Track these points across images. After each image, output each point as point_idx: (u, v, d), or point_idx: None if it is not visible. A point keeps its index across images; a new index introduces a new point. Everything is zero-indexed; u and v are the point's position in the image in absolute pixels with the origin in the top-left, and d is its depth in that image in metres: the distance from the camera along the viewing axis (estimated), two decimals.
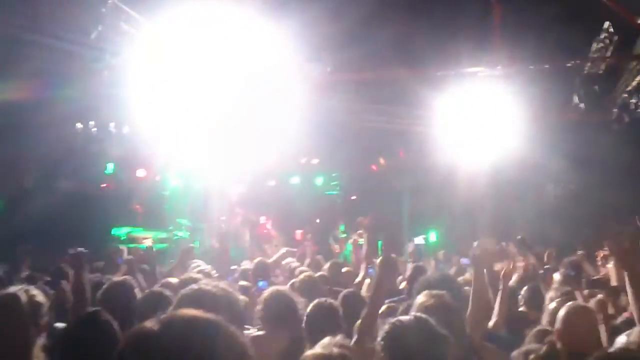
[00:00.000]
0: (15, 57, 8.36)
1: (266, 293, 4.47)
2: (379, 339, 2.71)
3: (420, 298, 3.47)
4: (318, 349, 2.98)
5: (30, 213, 10.06)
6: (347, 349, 3.00)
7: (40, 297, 3.46)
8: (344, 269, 7.62)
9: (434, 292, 3.50)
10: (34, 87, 8.79)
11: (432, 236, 14.86)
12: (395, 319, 2.78)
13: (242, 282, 6.29)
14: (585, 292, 5.73)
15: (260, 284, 6.55)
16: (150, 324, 1.45)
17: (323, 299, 4.28)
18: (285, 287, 4.82)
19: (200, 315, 1.52)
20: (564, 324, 3.74)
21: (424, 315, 2.81)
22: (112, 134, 9.70)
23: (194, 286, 2.51)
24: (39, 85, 8.72)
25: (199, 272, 5.19)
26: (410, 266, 6.93)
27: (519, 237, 7.74)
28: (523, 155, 10.84)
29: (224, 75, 9.08)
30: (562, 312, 3.82)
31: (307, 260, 8.53)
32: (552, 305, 4.57)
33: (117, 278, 4.94)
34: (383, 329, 2.74)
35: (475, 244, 8.31)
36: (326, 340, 3.04)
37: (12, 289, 3.45)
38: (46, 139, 9.84)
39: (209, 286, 2.42)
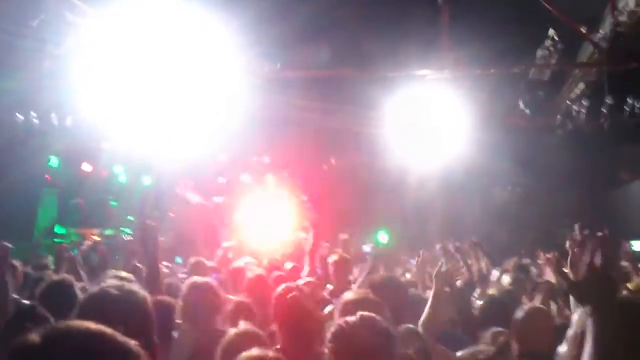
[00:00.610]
0: None
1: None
2: (326, 341, 2.68)
3: (348, 295, 3.48)
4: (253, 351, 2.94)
5: None
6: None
7: None
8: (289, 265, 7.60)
9: (360, 290, 3.52)
10: None
11: (383, 236, 14.96)
12: (342, 319, 2.75)
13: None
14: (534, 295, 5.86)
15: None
16: (34, 336, 1.41)
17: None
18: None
19: (87, 327, 1.47)
20: (522, 325, 3.78)
21: (371, 314, 2.77)
22: (55, 126, 9.43)
23: (95, 289, 2.44)
24: None
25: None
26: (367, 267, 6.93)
27: (474, 239, 7.82)
28: (470, 158, 11.02)
29: (170, 68, 8.94)
30: (520, 314, 3.87)
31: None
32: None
33: (56, 276, 4.91)
34: (330, 331, 2.71)
35: (438, 247, 8.40)
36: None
37: None
38: None
39: (112, 288, 2.35)
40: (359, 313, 2.75)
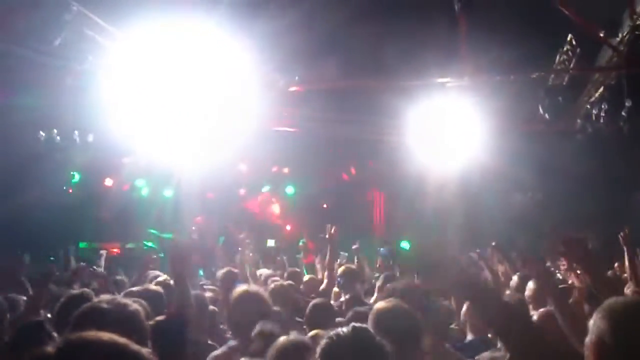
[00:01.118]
0: None
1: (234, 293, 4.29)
2: (316, 355, 2.57)
3: (378, 304, 3.44)
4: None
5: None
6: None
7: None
8: (306, 277, 7.63)
9: (391, 299, 3.46)
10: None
11: (405, 245, 14.92)
12: (333, 332, 2.62)
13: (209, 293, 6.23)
14: None
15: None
16: (49, 347, 1.44)
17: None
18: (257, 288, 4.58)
19: (101, 337, 1.50)
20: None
21: (363, 326, 2.69)
22: (77, 142, 9.56)
23: (87, 304, 2.48)
24: (1, 94, 8.58)
25: (156, 283, 5.11)
26: (381, 276, 6.93)
27: (494, 243, 7.77)
28: (490, 164, 10.97)
29: (191, 83, 9.04)
30: (533, 318, 3.86)
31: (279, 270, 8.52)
32: None
33: (74, 291, 4.89)
34: (320, 343, 2.59)
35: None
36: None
37: None
38: (9, 147, 9.68)
39: (103, 303, 2.40)
40: (352, 325, 2.65)
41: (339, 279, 6.85)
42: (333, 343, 2.52)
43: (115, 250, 12.77)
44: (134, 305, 2.41)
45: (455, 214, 10.97)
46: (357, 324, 2.63)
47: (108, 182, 13.70)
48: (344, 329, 2.57)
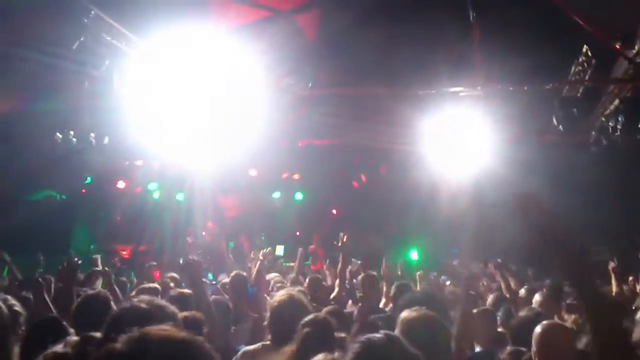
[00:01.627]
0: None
1: (277, 298, 4.20)
2: (347, 358, 2.57)
3: (404, 313, 3.37)
4: None
5: (10, 223, 9.99)
6: None
7: (18, 307, 3.51)
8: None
9: (419, 307, 3.40)
10: (17, 100, 8.77)
11: (414, 254, 14.90)
12: (365, 337, 2.61)
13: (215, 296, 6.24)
14: (565, 316, 5.79)
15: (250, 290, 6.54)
16: (118, 344, 1.44)
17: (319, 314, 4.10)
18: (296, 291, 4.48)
19: (173, 333, 1.51)
20: (541, 343, 3.73)
21: (395, 334, 2.68)
22: (92, 144, 9.65)
23: (126, 304, 2.48)
24: (21, 98, 8.69)
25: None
26: (394, 284, 6.92)
27: (499, 260, 7.80)
28: (502, 175, 10.93)
29: (204, 88, 9.10)
30: (538, 331, 3.81)
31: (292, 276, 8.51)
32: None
33: (91, 291, 4.91)
34: (352, 348, 2.58)
35: (455, 262, 8.41)
36: (321, 356, 2.93)
37: None
38: (28, 150, 9.79)
39: (143, 303, 2.40)
40: (383, 332, 2.64)
41: (351, 285, 6.86)
42: (366, 348, 2.51)
43: (124, 252, 12.82)
44: (172, 307, 2.42)
45: (467, 224, 10.93)
46: (389, 332, 2.63)
47: (120, 184, 13.77)
48: (377, 335, 2.57)
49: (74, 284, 4.71)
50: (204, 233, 11.29)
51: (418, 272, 8.86)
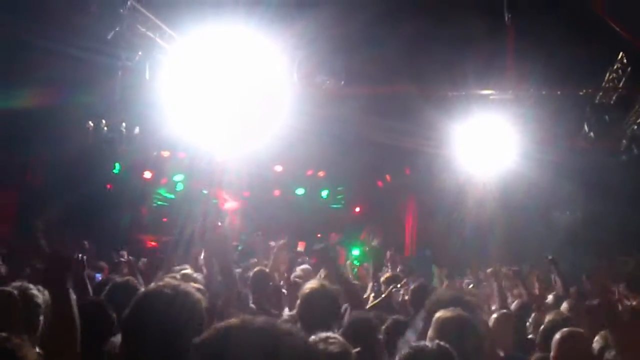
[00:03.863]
0: (34, 64, 8.47)
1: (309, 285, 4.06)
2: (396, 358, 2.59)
3: (439, 313, 3.30)
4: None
5: (43, 212, 10.14)
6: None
7: (39, 296, 3.45)
8: None
9: (455, 309, 3.33)
10: (52, 92, 8.91)
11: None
12: (417, 343, 2.65)
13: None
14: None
15: None
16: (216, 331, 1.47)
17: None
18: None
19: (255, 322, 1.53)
20: (559, 349, 3.73)
21: (447, 346, 2.65)
22: (123, 134, 9.77)
23: (151, 287, 2.46)
24: (56, 91, 8.83)
25: (182, 275, 5.12)
26: (413, 284, 6.88)
27: (550, 257, 7.67)
28: (532, 179, 10.84)
29: (235, 83, 9.16)
30: (557, 337, 3.81)
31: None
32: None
33: (119, 278, 4.94)
34: (402, 351, 2.61)
35: (488, 271, 8.30)
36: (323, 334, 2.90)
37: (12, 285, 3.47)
38: (61, 140, 9.94)
39: (167, 288, 2.36)
40: (436, 342, 2.67)
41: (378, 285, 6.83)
42: (417, 355, 2.54)
43: (153, 242, 12.93)
44: (197, 294, 2.40)
45: (495, 228, 10.86)
46: (442, 343, 2.62)
47: (147, 174, 13.89)
48: (429, 344, 2.60)
49: (85, 270, 4.73)
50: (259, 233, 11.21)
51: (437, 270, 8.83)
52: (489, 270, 8.16)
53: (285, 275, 7.51)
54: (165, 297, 2.30)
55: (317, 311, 3.76)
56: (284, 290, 7.02)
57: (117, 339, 2.68)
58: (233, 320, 1.57)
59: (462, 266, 9.91)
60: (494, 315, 5.25)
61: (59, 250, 2.92)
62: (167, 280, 3.07)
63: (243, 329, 1.52)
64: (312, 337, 2.73)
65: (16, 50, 8.49)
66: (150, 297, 2.36)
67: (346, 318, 4.01)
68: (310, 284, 4.09)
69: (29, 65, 8.52)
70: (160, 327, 2.23)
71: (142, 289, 4.48)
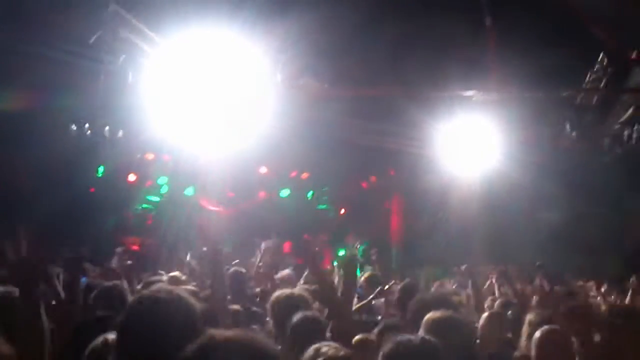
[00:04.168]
0: (15, 67, 8.40)
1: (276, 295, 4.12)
2: (380, 356, 2.57)
3: (430, 314, 3.28)
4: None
5: (24, 216, 10.06)
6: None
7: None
8: None
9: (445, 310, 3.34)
10: (35, 95, 8.84)
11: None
12: (400, 337, 2.62)
13: None
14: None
15: None
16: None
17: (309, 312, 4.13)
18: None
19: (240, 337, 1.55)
20: (539, 348, 3.73)
21: (432, 339, 2.65)
22: (106, 137, 9.72)
23: (144, 293, 2.44)
24: (39, 94, 8.76)
25: (170, 278, 5.10)
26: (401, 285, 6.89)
27: (538, 263, 7.76)
28: (515, 180, 10.91)
29: (218, 85, 9.11)
30: (536, 336, 3.79)
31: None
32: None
33: (107, 283, 4.94)
34: (385, 347, 2.59)
35: (463, 267, 8.39)
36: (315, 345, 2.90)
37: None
38: (43, 143, 9.87)
39: (162, 292, 2.34)
40: (420, 335, 2.70)
41: (359, 287, 6.82)
42: (400, 348, 2.52)
43: (135, 246, 12.85)
44: (191, 299, 2.38)
45: (479, 228, 10.93)
46: (426, 336, 2.62)
47: (131, 177, 13.82)
48: (412, 337, 2.58)
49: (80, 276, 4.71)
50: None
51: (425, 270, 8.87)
52: (463, 267, 8.23)
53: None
54: (161, 302, 2.28)
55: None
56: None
57: (105, 335, 2.70)
58: (217, 334, 1.58)
59: (449, 266, 9.97)
60: (484, 315, 5.27)
61: (26, 257, 2.91)
62: (161, 285, 3.06)
63: (226, 345, 1.53)
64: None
65: None
66: (145, 301, 2.33)
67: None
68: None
69: (10, 68, 8.43)
70: (155, 332, 2.20)
71: (129, 294, 4.50)
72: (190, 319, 2.29)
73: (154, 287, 2.52)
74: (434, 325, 3.11)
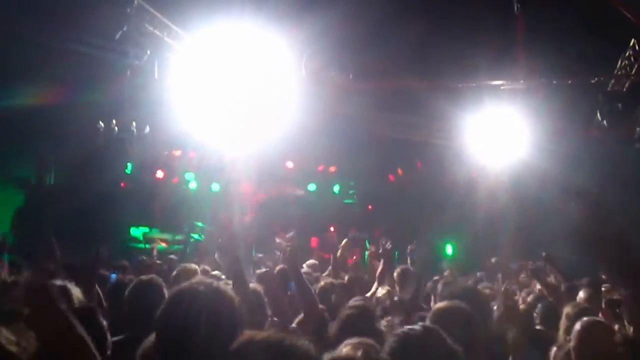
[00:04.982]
0: (46, 63, 8.51)
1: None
2: (385, 350, 2.51)
3: (437, 304, 3.31)
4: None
5: (53, 212, 10.20)
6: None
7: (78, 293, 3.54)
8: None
9: (453, 300, 3.30)
10: (61, 91, 8.94)
11: (449, 249, 14.76)
12: (401, 329, 2.58)
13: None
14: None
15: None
16: None
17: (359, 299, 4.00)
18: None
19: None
20: (579, 339, 3.67)
21: (434, 327, 2.62)
22: (133, 134, 9.80)
23: (185, 285, 2.38)
24: (65, 90, 8.86)
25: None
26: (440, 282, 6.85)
27: (544, 254, 7.63)
28: (544, 170, 10.72)
29: (244, 80, 9.14)
30: (577, 327, 3.74)
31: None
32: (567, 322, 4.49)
33: (144, 277, 4.90)
34: (389, 340, 2.54)
35: (493, 260, 8.26)
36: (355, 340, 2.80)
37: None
38: (72, 139, 9.98)
39: (201, 285, 2.30)
40: (421, 324, 2.64)
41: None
42: (404, 340, 2.48)
43: (163, 242, 12.95)
44: (230, 292, 2.35)
45: (507, 220, 10.76)
46: (428, 325, 2.58)
47: (159, 174, 13.93)
48: (415, 327, 2.53)
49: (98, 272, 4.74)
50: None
51: (447, 270, 8.76)
52: (493, 259, 8.10)
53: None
54: (202, 295, 2.26)
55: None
56: None
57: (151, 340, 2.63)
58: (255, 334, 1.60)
59: (477, 259, 9.85)
60: (503, 307, 5.19)
61: (38, 280, 2.88)
62: (200, 278, 3.04)
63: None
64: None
65: (26, 49, 8.52)
66: (186, 294, 2.30)
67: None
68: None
69: (36, 64, 8.54)
70: (198, 326, 2.16)
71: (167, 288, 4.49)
72: (230, 311, 2.27)
73: (194, 279, 2.47)
74: (437, 315, 3.10)
